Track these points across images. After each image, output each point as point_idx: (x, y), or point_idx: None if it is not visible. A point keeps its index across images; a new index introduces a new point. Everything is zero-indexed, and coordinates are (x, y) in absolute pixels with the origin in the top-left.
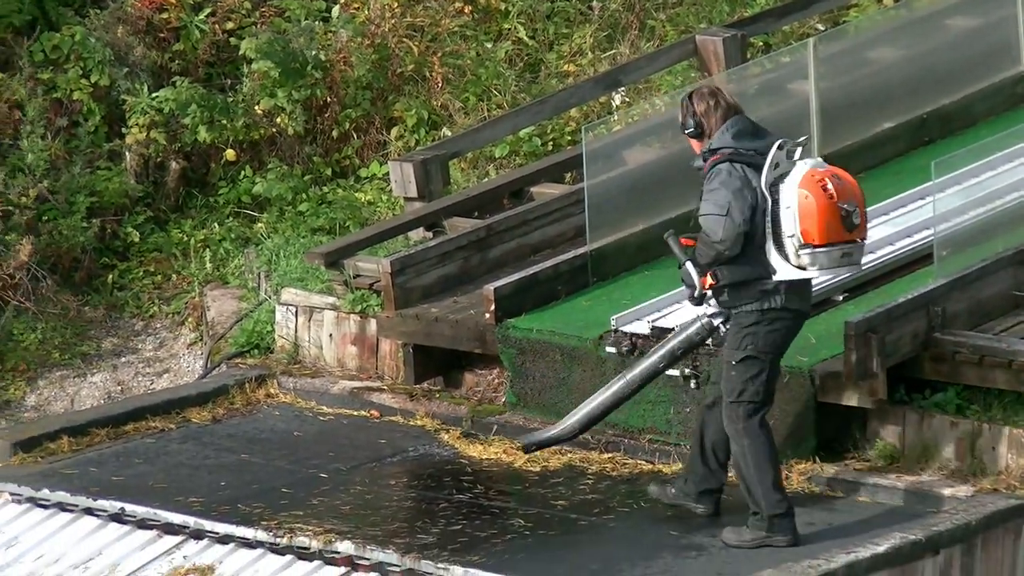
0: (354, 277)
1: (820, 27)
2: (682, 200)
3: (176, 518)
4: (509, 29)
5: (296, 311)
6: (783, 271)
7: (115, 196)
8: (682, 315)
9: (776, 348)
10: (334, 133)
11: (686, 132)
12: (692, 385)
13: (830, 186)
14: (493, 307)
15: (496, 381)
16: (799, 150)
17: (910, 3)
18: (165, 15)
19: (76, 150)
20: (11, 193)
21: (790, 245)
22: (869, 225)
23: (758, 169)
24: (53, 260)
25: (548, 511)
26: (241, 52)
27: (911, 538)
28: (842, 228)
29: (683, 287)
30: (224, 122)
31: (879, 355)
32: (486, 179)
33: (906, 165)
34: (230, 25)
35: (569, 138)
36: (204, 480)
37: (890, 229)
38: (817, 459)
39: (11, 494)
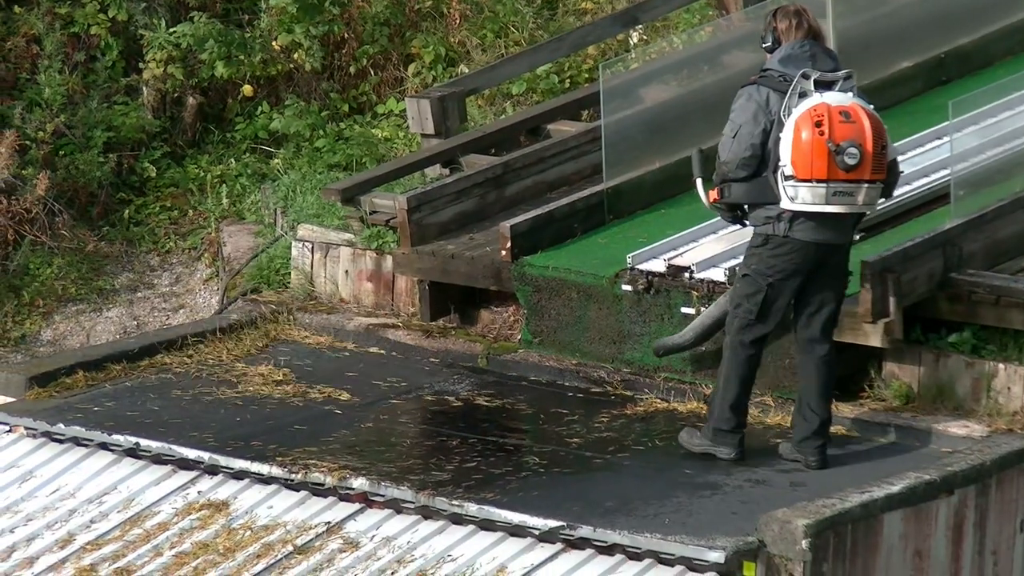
0: (370, 213)
1: None
2: (699, 138)
3: (191, 453)
4: None
5: (312, 247)
6: (783, 200)
7: (132, 131)
8: (699, 253)
9: (778, 273)
10: (351, 69)
11: (763, 46)
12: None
13: (825, 123)
14: (509, 244)
15: (512, 319)
16: (839, 83)
17: None
18: None
19: (93, 85)
20: (28, 127)
21: (781, 173)
22: None
23: (785, 95)
24: (70, 195)
25: (563, 449)
26: None
27: (926, 478)
28: (830, 166)
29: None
30: (241, 58)
31: (895, 295)
32: (503, 116)
33: (923, 104)
34: None
35: (586, 76)
36: (219, 416)
37: (907, 168)
38: (832, 399)
39: (27, 428)
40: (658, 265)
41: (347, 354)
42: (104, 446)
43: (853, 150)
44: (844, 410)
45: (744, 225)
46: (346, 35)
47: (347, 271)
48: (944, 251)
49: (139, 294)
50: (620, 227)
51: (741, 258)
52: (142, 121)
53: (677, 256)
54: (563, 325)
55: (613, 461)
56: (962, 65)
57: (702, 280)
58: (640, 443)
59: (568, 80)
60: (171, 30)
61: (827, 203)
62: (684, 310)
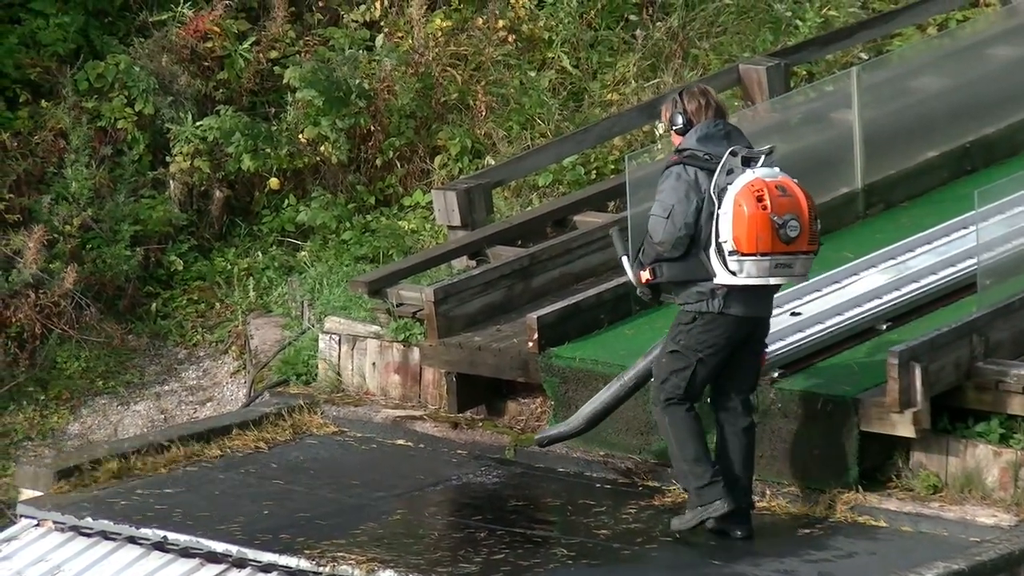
0: (397, 306)
1: (863, 56)
2: None
3: (219, 547)
4: (553, 58)
5: (339, 339)
6: (721, 275)
7: (159, 224)
8: None
9: (708, 349)
10: (378, 161)
11: (674, 128)
12: None
13: (766, 198)
14: (536, 336)
15: (539, 410)
16: (762, 159)
17: (953, 32)
18: (209, 44)
19: (120, 178)
20: (56, 221)
21: (723, 250)
22: (912, 254)
23: (712, 173)
24: (97, 288)
25: (591, 540)
26: (285, 81)
27: (954, 568)
28: (774, 240)
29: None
30: (268, 150)
31: (922, 384)
32: (529, 208)
33: (949, 194)
34: (274, 54)
35: (612, 167)
36: (247, 508)
37: (933, 258)
38: (860, 488)
39: (55, 522)
40: None
41: (374, 446)
42: (132, 540)
43: (794, 223)
44: (872, 500)
45: (661, 303)
46: (372, 128)
47: (374, 363)
48: (971, 340)
49: (166, 387)
50: (647, 318)
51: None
52: (169, 214)
53: None
54: None
55: (641, 552)
56: (987, 154)
57: None
58: (668, 534)
59: (594, 171)
60: (198, 123)
61: (770, 275)
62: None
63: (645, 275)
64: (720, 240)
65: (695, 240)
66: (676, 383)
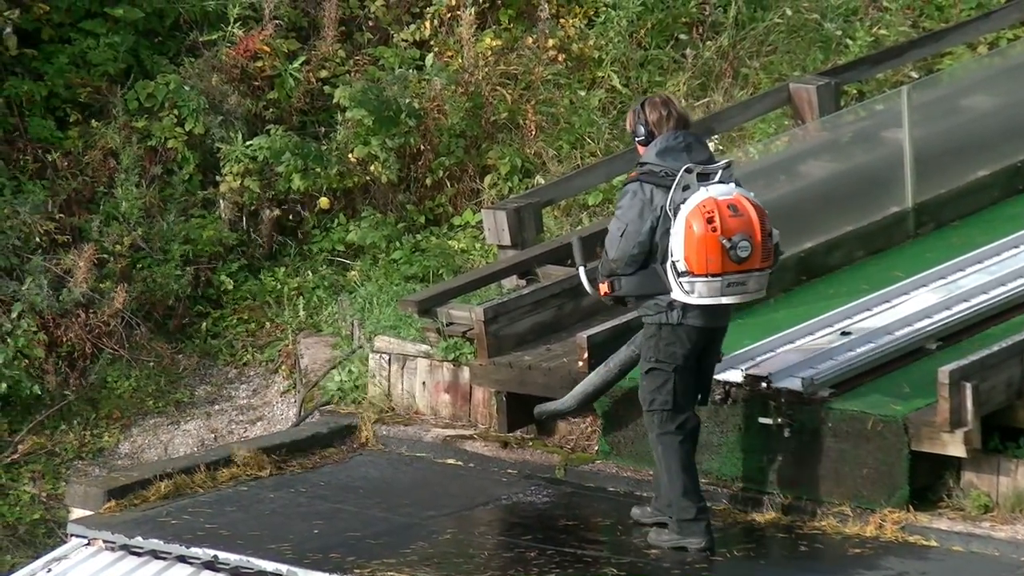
0: (447, 325)
1: (914, 75)
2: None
3: (269, 566)
4: (603, 77)
5: (389, 359)
6: (675, 292)
7: (209, 244)
8: (775, 363)
9: (679, 359)
10: (427, 181)
11: (636, 140)
12: (785, 434)
13: (716, 219)
14: (586, 355)
15: (589, 429)
16: (719, 174)
17: (1004, 51)
18: (259, 63)
19: (170, 198)
20: (106, 241)
21: (676, 268)
22: (963, 273)
23: (668, 189)
24: (147, 308)
25: (641, 560)
26: (335, 100)
27: None
28: (724, 261)
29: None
30: (318, 170)
31: (973, 404)
32: (579, 227)
33: (1000, 213)
34: (324, 73)
35: None
36: (297, 528)
37: (984, 277)
38: (911, 508)
39: (105, 541)
40: (735, 375)
41: (424, 465)
42: (182, 559)
43: (744, 243)
44: (923, 519)
45: (625, 304)
46: (422, 147)
47: (424, 382)
48: (1022, 360)
49: (216, 407)
50: None
51: (815, 367)
52: (219, 234)
53: (754, 366)
54: (640, 435)
55: (691, 572)
56: None
57: (779, 390)
58: (719, 553)
59: None
60: (247, 143)
61: (722, 295)
62: (762, 420)
63: (604, 287)
64: (673, 258)
65: (652, 254)
66: (663, 400)
